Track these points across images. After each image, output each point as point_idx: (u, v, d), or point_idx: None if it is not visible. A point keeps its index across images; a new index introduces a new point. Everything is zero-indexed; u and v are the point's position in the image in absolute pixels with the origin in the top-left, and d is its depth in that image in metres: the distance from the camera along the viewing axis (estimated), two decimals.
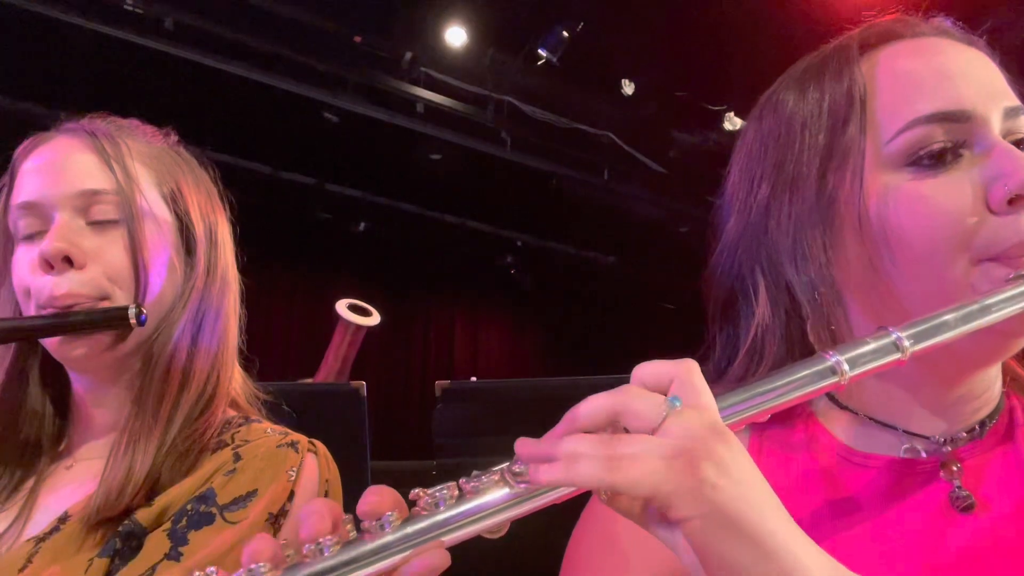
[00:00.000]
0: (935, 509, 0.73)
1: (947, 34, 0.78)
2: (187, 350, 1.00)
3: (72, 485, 0.99)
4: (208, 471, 0.94)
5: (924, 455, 0.76)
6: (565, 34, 4.83)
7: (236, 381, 1.08)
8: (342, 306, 3.34)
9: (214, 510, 0.90)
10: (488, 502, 0.54)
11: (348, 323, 3.29)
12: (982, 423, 0.77)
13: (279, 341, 6.64)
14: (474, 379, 4.89)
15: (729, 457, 0.52)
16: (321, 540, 0.53)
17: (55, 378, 1.05)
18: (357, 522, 0.55)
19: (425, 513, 0.54)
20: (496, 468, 0.55)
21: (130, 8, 4.34)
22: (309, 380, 3.20)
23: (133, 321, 0.93)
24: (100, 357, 0.97)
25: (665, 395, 0.55)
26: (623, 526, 0.76)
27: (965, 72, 0.73)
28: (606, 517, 0.80)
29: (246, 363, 1.12)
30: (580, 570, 0.81)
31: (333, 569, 0.52)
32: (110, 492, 0.90)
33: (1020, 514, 0.72)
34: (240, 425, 1.03)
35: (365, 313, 3.38)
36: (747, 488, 0.52)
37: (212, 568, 0.52)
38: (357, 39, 4.91)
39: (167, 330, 1.00)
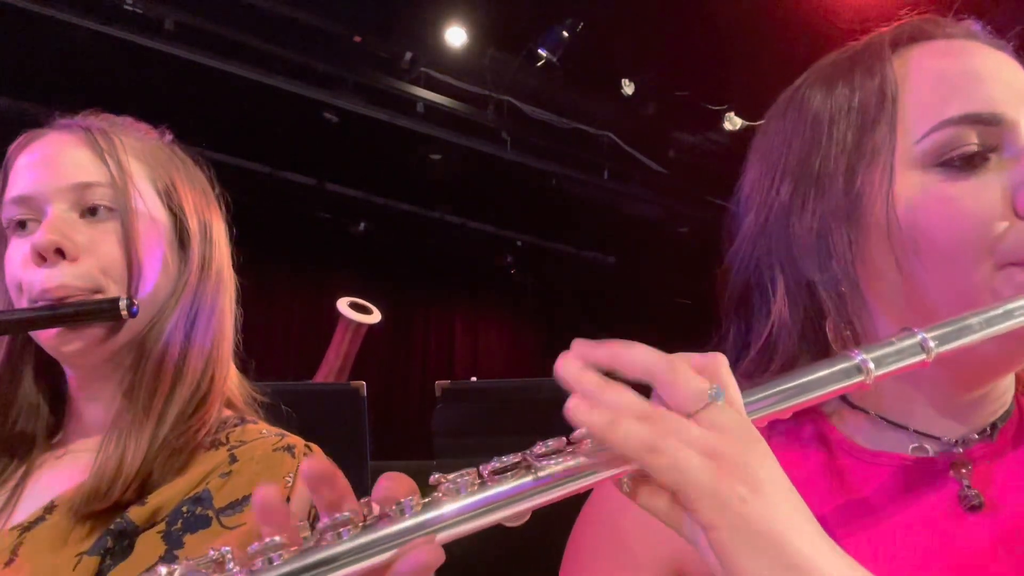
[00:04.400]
0: (943, 508, 0.73)
1: (976, 37, 0.78)
2: (180, 346, 1.00)
3: (61, 474, 0.99)
4: (203, 471, 0.94)
5: (933, 454, 0.76)
6: (565, 34, 4.82)
7: (232, 381, 1.08)
8: (343, 304, 3.35)
9: (210, 513, 0.89)
10: (511, 489, 0.53)
11: (349, 321, 3.30)
12: (993, 425, 0.77)
13: (279, 341, 6.64)
14: (474, 379, 4.89)
15: (760, 466, 0.52)
16: (340, 520, 0.52)
17: (49, 372, 1.05)
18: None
19: (447, 499, 0.53)
20: (520, 453, 0.54)
21: (130, 8, 4.34)
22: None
23: (124, 312, 0.92)
24: (94, 351, 0.96)
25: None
26: (629, 517, 0.76)
27: (995, 75, 0.73)
28: (611, 507, 0.80)
29: (242, 364, 1.12)
30: (583, 561, 0.81)
31: (349, 553, 0.51)
32: (100, 483, 0.90)
33: None
34: (235, 425, 1.02)
35: (366, 311, 3.38)
36: (776, 502, 0.51)
37: (227, 548, 0.52)
38: (357, 39, 4.91)
39: (159, 325, 0.99)
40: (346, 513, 0.52)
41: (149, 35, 4.41)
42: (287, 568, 0.50)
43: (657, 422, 0.52)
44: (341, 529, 0.52)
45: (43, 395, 1.04)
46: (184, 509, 0.90)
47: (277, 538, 0.51)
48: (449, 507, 0.52)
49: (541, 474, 0.53)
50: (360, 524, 0.52)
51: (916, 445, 0.76)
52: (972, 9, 0.82)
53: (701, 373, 0.55)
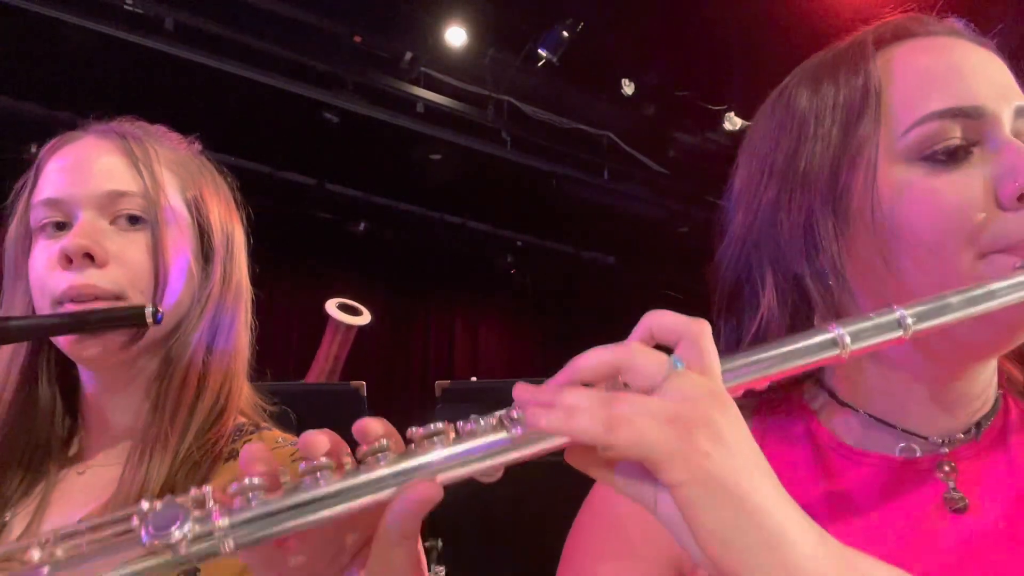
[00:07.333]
0: (929, 509, 0.73)
1: (960, 34, 0.79)
2: (203, 357, 1.00)
3: (85, 493, 0.98)
4: (222, 484, 0.94)
5: (920, 455, 0.76)
6: (565, 34, 4.83)
7: (245, 393, 1.08)
8: (332, 306, 3.34)
9: None
10: (483, 445, 0.54)
11: (338, 323, 3.29)
12: (978, 424, 0.77)
13: (279, 341, 6.64)
14: (474, 379, 4.89)
15: (725, 424, 0.52)
16: (316, 466, 0.53)
17: (65, 379, 1.04)
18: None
19: (420, 451, 0.54)
20: (495, 413, 0.55)
21: (130, 8, 4.34)
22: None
23: (150, 320, 0.92)
24: (115, 356, 0.96)
25: (671, 351, 0.55)
26: (629, 511, 0.76)
27: (978, 70, 0.74)
28: (612, 502, 0.80)
29: (256, 374, 1.12)
30: (585, 553, 0.81)
31: (325, 497, 0.52)
32: (126, 504, 0.89)
33: (1011, 517, 0.72)
34: (251, 433, 1.03)
35: (355, 312, 3.37)
36: (739, 457, 0.51)
37: (208, 488, 0.52)
38: (357, 39, 4.91)
39: (185, 336, 1.00)
40: (323, 459, 0.53)
41: (149, 35, 4.41)
42: (265, 508, 0.52)
43: (611, 405, 0.52)
44: (319, 473, 0.53)
45: (59, 401, 1.04)
46: None
47: (256, 479, 0.53)
48: (425, 458, 0.53)
49: (515, 431, 0.54)
50: (339, 470, 0.54)
51: (904, 445, 0.77)
52: (964, 6, 0.83)
53: (674, 339, 0.55)
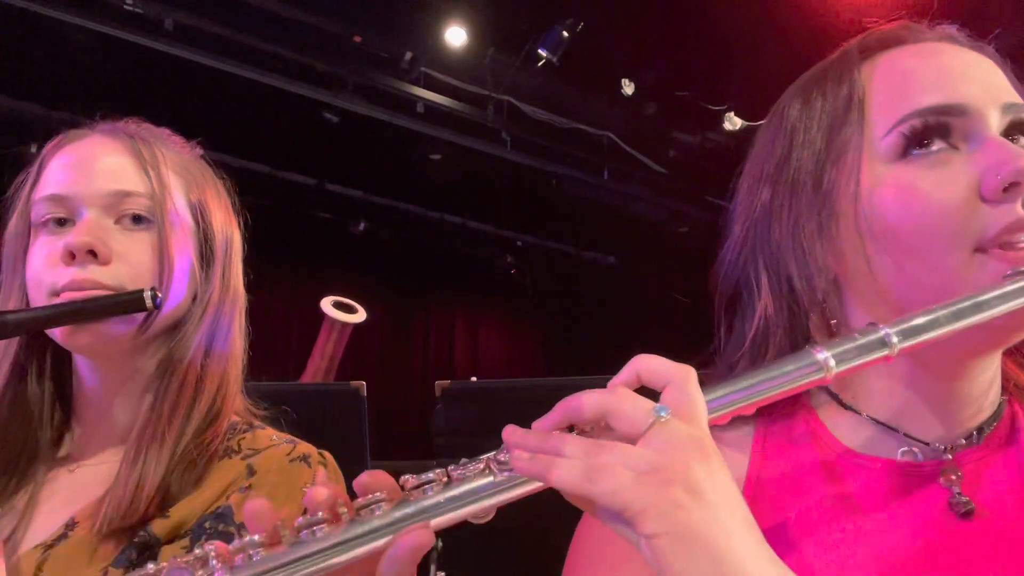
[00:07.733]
0: (934, 514, 0.73)
1: (953, 40, 0.78)
2: (201, 360, 1.00)
3: (76, 489, 0.97)
4: (221, 484, 0.95)
5: (922, 459, 0.75)
6: (565, 34, 4.83)
7: (239, 400, 1.08)
8: (327, 303, 3.32)
9: (232, 529, 0.90)
10: (473, 489, 0.56)
11: (334, 321, 3.27)
12: (980, 429, 0.77)
13: (279, 341, 6.64)
14: (474, 379, 4.89)
15: (705, 476, 0.52)
16: (314, 520, 0.56)
17: (57, 376, 1.04)
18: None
19: (413, 499, 0.57)
20: (483, 457, 0.58)
21: (130, 8, 4.34)
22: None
23: (149, 303, 0.92)
24: (114, 344, 0.96)
25: (659, 394, 0.56)
26: None
27: (964, 70, 0.74)
28: None
29: (258, 374, 1.12)
30: (589, 559, 0.80)
31: (323, 551, 0.55)
32: (121, 502, 0.90)
33: (1019, 518, 0.71)
34: (245, 431, 1.03)
35: (351, 310, 3.35)
36: (717, 510, 0.52)
37: (211, 545, 0.54)
38: (357, 39, 4.91)
39: (186, 339, 1.00)
40: (320, 514, 0.56)
41: (149, 35, 4.41)
42: (265, 564, 0.54)
43: (594, 455, 0.53)
44: (316, 527, 0.56)
45: (49, 399, 1.03)
46: (207, 525, 0.91)
47: (256, 536, 0.55)
48: (417, 506, 0.56)
49: (499, 478, 0.56)
50: (335, 522, 0.57)
51: (905, 449, 0.76)
52: (962, 11, 0.83)
53: (661, 384, 0.57)
